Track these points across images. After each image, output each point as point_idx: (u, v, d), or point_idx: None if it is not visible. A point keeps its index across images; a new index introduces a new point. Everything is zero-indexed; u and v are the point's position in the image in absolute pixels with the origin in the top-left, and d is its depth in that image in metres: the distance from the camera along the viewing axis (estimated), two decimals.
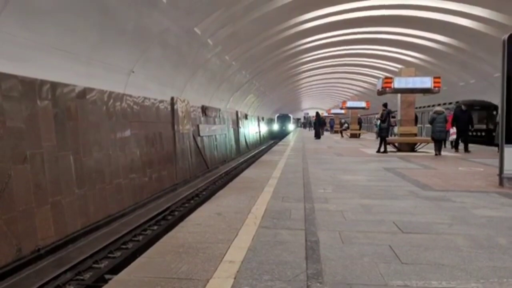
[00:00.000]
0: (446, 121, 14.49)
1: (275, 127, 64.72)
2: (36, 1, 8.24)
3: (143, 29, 12.44)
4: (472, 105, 20.03)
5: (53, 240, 8.75)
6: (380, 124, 15.17)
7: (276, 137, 56.02)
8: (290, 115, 67.44)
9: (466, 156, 13.70)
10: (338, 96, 60.69)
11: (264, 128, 56.54)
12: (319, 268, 3.22)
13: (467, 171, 9.62)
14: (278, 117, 65.93)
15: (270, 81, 36.81)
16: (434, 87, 14.61)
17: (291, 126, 65.63)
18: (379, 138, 15.28)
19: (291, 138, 26.61)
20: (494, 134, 15.00)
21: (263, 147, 41.01)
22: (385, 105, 15.57)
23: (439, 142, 14.34)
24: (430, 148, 15.06)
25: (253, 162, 17.14)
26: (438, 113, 14.34)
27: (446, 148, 16.10)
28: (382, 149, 14.86)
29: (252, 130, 44.12)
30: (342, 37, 25.10)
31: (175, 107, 17.56)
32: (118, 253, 8.66)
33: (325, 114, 48.01)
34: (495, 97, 17.12)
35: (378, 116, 15.46)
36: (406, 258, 3.45)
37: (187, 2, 12.96)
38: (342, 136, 31.79)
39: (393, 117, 17.04)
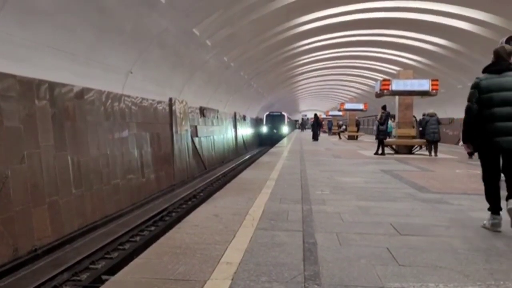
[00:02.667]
0: (439, 123, 14.63)
1: (264, 130, 49.30)
2: (35, 1, 8.23)
3: (142, 29, 12.43)
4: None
5: (50, 240, 8.73)
6: (378, 126, 15.18)
7: (264, 143, 44.82)
8: (284, 113, 51.32)
9: (463, 158, 13.72)
10: (336, 98, 60.61)
11: (250, 131, 44.11)
12: (316, 269, 3.21)
13: (464, 174, 9.64)
14: (268, 116, 50.12)
15: (269, 83, 36.82)
16: (432, 89, 14.67)
17: (285, 129, 49.60)
18: (377, 140, 15.29)
19: (286, 142, 26.47)
20: None
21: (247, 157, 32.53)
22: (384, 107, 15.58)
23: (433, 143, 14.56)
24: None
25: (251, 163, 17.15)
26: (430, 115, 14.68)
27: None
28: (380, 151, 14.89)
29: (250, 131, 44.03)
30: (341, 39, 25.13)
31: (173, 108, 17.55)
32: (115, 254, 8.64)
33: (323, 116, 47.96)
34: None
35: (378, 118, 15.45)
36: (403, 260, 3.45)
37: (186, 3, 12.96)
38: (340, 138, 31.81)
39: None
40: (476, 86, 4.33)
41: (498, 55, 4.36)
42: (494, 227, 4.33)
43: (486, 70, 4.44)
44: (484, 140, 4.28)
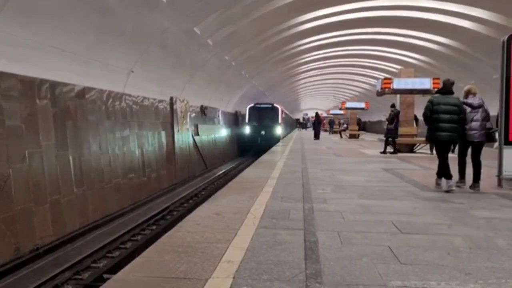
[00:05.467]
0: None
1: (246, 131, 32.21)
2: (35, 0, 8.22)
3: (143, 29, 12.42)
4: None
5: (51, 239, 8.74)
6: (387, 125, 15.06)
7: (246, 152, 31.53)
8: (278, 106, 33.90)
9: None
10: (337, 97, 60.53)
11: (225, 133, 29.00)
12: (318, 268, 3.21)
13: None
14: (252, 110, 32.66)
15: (270, 82, 36.74)
16: (434, 88, 14.63)
17: (279, 130, 32.68)
18: (389, 140, 15.08)
19: (286, 142, 26.32)
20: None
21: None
22: (392, 105, 15.46)
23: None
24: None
25: (251, 162, 17.15)
26: None
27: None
28: (391, 150, 14.75)
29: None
30: (342, 37, 25.10)
31: (175, 107, 17.56)
32: (116, 253, 8.65)
33: (325, 114, 47.79)
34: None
35: (386, 116, 15.31)
36: (405, 259, 3.45)
37: (187, 2, 12.95)
38: (341, 136, 31.77)
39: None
40: (431, 101, 6.84)
41: (445, 85, 6.98)
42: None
43: (438, 91, 7.15)
44: (433, 134, 6.83)
